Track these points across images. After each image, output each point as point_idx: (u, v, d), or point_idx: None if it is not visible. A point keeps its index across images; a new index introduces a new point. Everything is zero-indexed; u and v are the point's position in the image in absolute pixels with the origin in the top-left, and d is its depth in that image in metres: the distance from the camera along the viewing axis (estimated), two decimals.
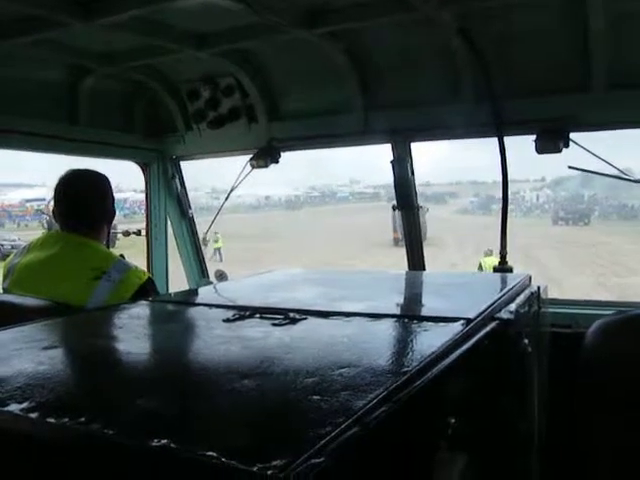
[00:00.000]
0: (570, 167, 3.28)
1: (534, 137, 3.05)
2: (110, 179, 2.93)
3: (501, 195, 3.29)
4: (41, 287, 2.54)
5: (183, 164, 4.19)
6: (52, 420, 0.96)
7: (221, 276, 4.35)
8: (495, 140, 3.16)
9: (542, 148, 3.06)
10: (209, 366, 1.32)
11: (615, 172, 3.19)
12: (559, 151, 3.06)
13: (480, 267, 14.85)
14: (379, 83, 3.32)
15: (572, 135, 3.04)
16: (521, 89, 3.05)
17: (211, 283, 4.06)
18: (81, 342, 1.59)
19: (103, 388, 1.17)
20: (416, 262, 3.59)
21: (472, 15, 2.81)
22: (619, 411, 2.42)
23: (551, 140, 3.03)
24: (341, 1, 2.75)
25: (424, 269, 3.63)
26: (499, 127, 3.09)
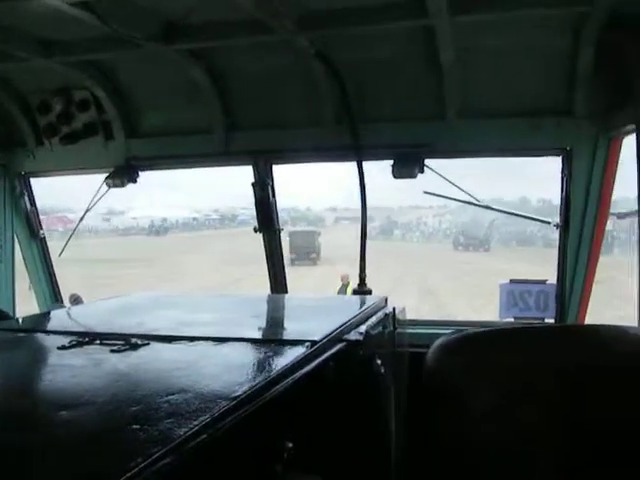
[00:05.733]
0: (425, 192, 3.42)
1: (392, 162, 3.15)
2: None
3: (367, 221, 3.34)
4: None
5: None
6: None
7: (76, 300, 4.10)
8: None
9: (399, 173, 3.17)
10: (30, 397, 1.22)
11: (467, 197, 3.36)
12: (414, 176, 3.18)
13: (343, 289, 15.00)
14: (241, 104, 3.30)
15: (427, 161, 3.17)
16: (379, 115, 3.14)
17: (64, 307, 3.82)
18: None
19: None
20: (279, 284, 3.57)
21: (331, 41, 2.86)
22: (464, 418, 2.51)
23: (407, 165, 3.14)
24: (199, 18, 2.70)
25: (286, 291, 3.62)
26: (358, 151, 3.15)
